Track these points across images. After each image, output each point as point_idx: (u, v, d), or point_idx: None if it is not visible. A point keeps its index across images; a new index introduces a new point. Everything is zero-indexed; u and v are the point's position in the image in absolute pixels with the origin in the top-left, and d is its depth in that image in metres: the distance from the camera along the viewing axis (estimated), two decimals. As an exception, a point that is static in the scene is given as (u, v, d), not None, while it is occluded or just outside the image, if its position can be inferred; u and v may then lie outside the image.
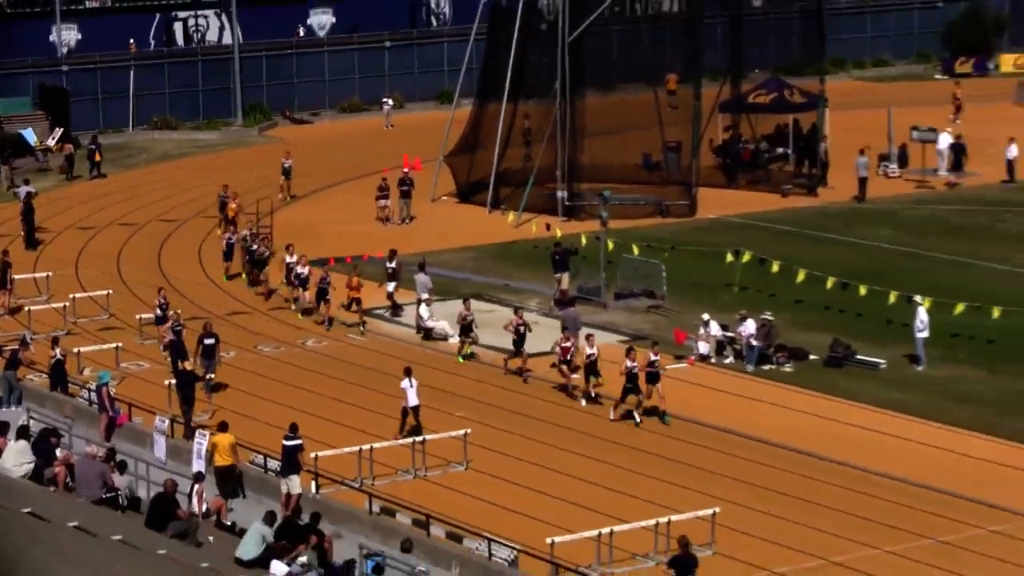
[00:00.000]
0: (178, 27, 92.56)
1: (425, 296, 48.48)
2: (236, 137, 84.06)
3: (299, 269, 49.76)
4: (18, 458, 31.84)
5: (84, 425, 37.87)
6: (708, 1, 76.18)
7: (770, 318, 45.67)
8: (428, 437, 37.56)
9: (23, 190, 63.05)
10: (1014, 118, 77.53)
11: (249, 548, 28.63)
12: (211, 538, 30.03)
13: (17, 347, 42.17)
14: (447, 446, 37.47)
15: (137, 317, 49.04)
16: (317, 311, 49.25)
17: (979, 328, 45.47)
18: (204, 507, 31.85)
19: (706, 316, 45.91)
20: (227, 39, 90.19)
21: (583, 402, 41.30)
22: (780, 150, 70.70)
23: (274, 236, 57.83)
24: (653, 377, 39.33)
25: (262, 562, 28.09)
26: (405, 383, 39.08)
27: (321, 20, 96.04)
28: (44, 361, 42.07)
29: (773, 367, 43.84)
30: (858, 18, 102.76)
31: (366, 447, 36.64)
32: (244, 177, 66.65)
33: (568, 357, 41.44)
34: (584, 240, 54.35)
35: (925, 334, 43.88)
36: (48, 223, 62.96)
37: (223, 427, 35.01)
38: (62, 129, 79.02)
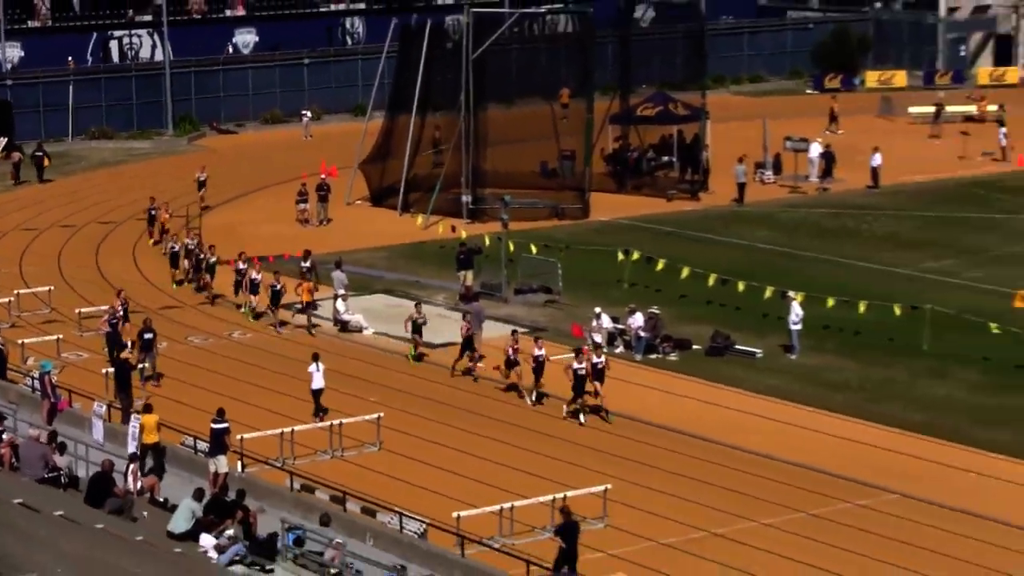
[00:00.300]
0: (114, 45, 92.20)
1: (342, 292, 48.40)
2: (167, 146, 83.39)
3: (253, 275, 49.08)
4: (-35, 441, 31.79)
5: (27, 410, 37.65)
6: (599, 22, 76.30)
7: (656, 311, 45.92)
8: (345, 420, 37.60)
9: None
10: (878, 129, 78.34)
11: (180, 522, 28.64)
12: (145, 513, 29.99)
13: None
14: (362, 429, 37.53)
15: (76, 311, 48.79)
16: (271, 314, 48.45)
17: (847, 321, 45.94)
18: (139, 485, 31.81)
19: (598, 309, 46.08)
20: (159, 56, 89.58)
21: (529, 400, 40.69)
22: (665, 158, 70.93)
23: (204, 237, 57.89)
24: (599, 375, 38.76)
25: (192, 535, 28.13)
26: (312, 367, 39.55)
27: (245, 39, 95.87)
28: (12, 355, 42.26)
29: (659, 356, 44.02)
30: (736, 38, 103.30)
31: (287, 430, 36.70)
32: (174, 183, 66.23)
33: (515, 358, 40.75)
34: (487, 240, 54.40)
35: (798, 326, 44.19)
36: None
37: (148, 409, 35.25)
38: (6, 139, 78.55)
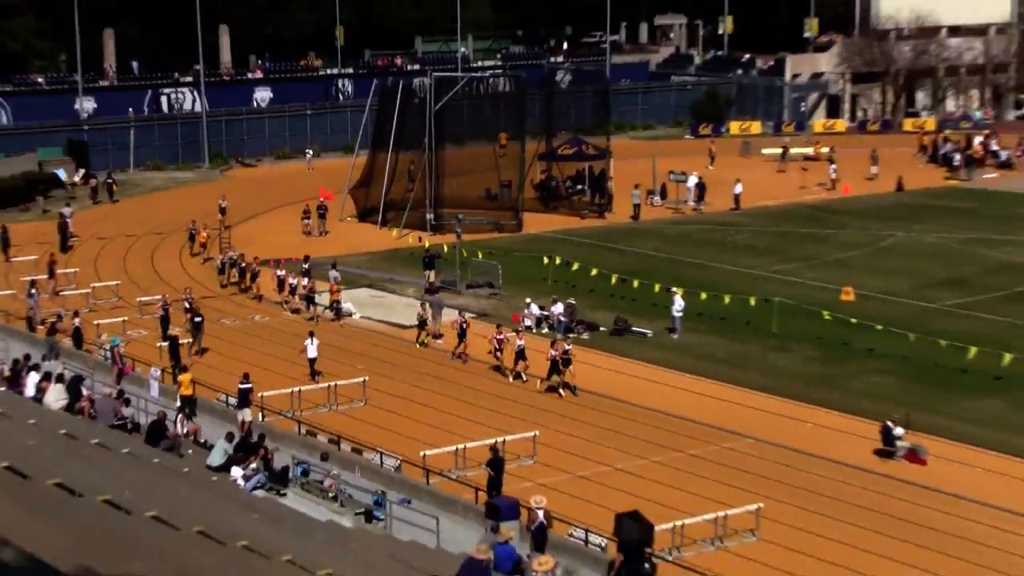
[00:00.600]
0: (164, 99, 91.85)
1: (337, 284, 48.58)
2: (204, 176, 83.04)
3: (291, 280, 48.81)
4: (57, 396, 31.75)
5: (101, 374, 37.70)
6: (529, 84, 76.44)
7: (573, 302, 46.08)
8: (339, 382, 37.76)
9: (66, 211, 62.95)
10: (739, 165, 78.61)
11: (216, 458, 28.78)
12: (190, 451, 30.11)
13: (55, 320, 42.16)
14: (352, 389, 37.68)
15: (137, 300, 48.75)
16: (306, 311, 47.51)
17: (715, 309, 46.11)
18: (184, 430, 31.91)
19: (528, 300, 46.34)
20: (197, 108, 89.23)
21: (511, 378, 39.69)
22: (579, 186, 71.08)
23: (232, 243, 58.16)
24: (567, 362, 38.19)
25: (225, 468, 28.27)
26: (307, 341, 40.06)
27: (263, 95, 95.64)
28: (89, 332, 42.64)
29: (575, 335, 44.01)
30: (632, 96, 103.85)
31: (295, 389, 36.87)
32: (208, 203, 65.92)
33: (500, 346, 40.10)
34: (445, 248, 54.38)
35: (679, 313, 44.38)
36: (78, 233, 62.37)
37: (184, 369, 36.31)
38: (84, 170, 78.52)
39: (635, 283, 48.97)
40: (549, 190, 70.02)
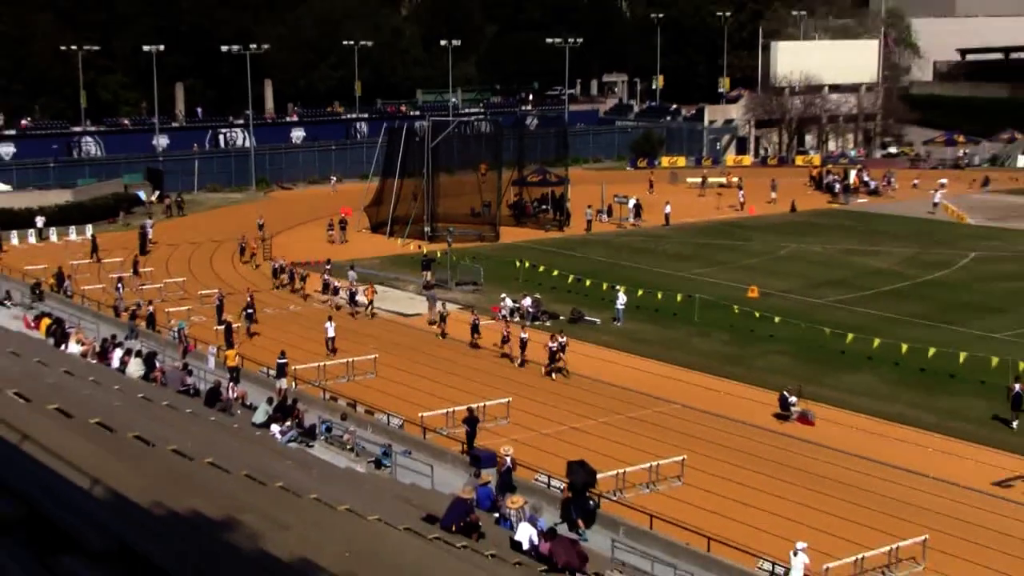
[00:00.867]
0: (221, 137, 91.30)
1: (355, 283, 48.24)
2: (251, 196, 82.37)
3: (335, 283, 47.74)
4: (137, 368, 31.65)
5: (170, 350, 37.60)
6: (505, 125, 76.40)
7: (538, 296, 46.09)
8: (355, 358, 37.56)
9: (147, 223, 63.46)
10: (669, 191, 78.31)
11: (259, 417, 28.65)
12: (239, 412, 29.98)
13: (135, 308, 41.98)
14: (365, 364, 37.49)
15: (198, 292, 48.45)
16: (349, 306, 46.25)
17: (650, 302, 46.05)
18: (235, 395, 31.73)
19: (504, 295, 46.10)
20: (247, 144, 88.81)
21: (517, 364, 38.31)
22: (544, 206, 70.95)
23: (272, 250, 57.64)
24: (563, 349, 37.22)
25: (266, 425, 28.12)
26: (327, 324, 39.96)
27: (298, 134, 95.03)
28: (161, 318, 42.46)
29: (540, 323, 44.05)
30: (585, 136, 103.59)
31: (321, 363, 36.73)
32: (254, 219, 65.53)
33: (508, 337, 39.27)
34: (439, 253, 54.34)
35: (622, 306, 44.43)
36: (155, 240, 62.18)
37: (231, 346, 36.31)
38: (159, 191, 78.55)
39: (587, 282, 48.91)
40: (520, 209, 69.83)
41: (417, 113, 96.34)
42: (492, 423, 31.89)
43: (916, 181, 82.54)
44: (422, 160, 64.31)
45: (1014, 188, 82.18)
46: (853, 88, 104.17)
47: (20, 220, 65.55)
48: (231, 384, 32.36)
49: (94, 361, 32.38)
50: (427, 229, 62.76)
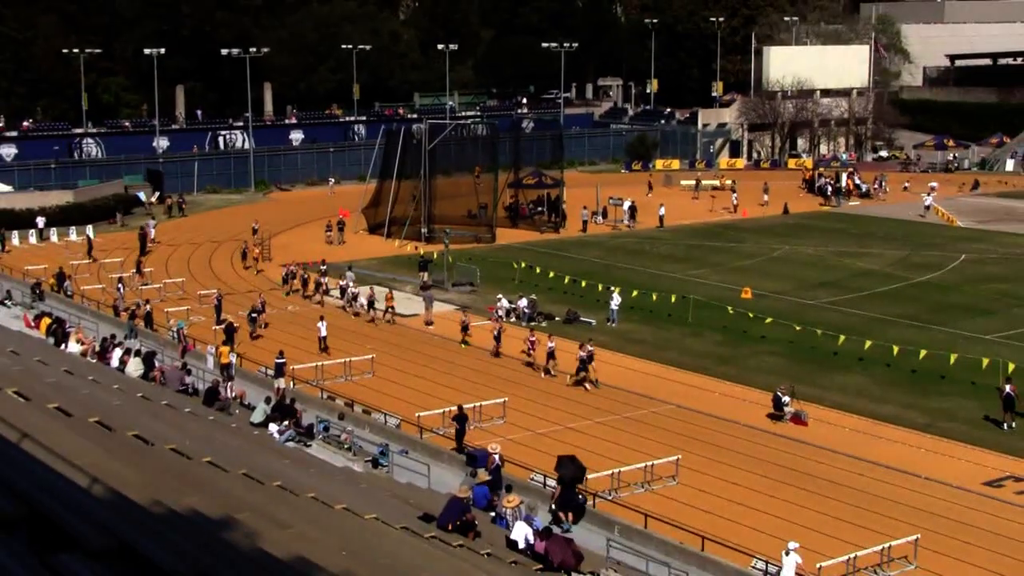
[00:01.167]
0: (220, 139, 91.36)
1: (352, 283, 48.23)
2: (250, 198, 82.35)
3: (352, 289, 46.74)
4: (136, 367, 31.52)
5: (170, 350, 37.43)
6: (501, 129, 76.46)
7: (534, 297, 46.03)
8: (352, 358, 37.46)
9: (150, 223, 63.67)
10: (663, 193, 78.56)
11: (257, 416, 28.53)
12: (237, 411, 29.81)
13: (135, 307, 41.96)
14: (363, 364, 37.40)
15: (198, 293, 48.31)
16: (366, 313, 45.05)
17: (645, 304, 46.01)
18: (233, 394, 31.62)
19: (500, 295, 46.06)
20: (246, 145, 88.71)
21: (542, 374, 37.05)
22: (540, 208, 70.98)
23: (271, 252, 57.41)
24: (591, 358, 36.03)
25: (264, 424, 28.00)
26: (320, 324, 39.86)
27: (296, 136, 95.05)
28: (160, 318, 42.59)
29: (536, 323, 43.99)
30: (581, 139, 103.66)
31: (320, 363, 36.61)
32: (253, 220, 65.53)
33: (533, 347, 38.31)
34: (436, 254, 54.23)
35: (616, 307, 44.40)
36: (158, 239, 62.05)
37: (225, 343, 35.87)
38: (159, 192, 78.39)
39: (583, 283, 48.82)
40: (516, 211, 69.83)
41: (414, 116, 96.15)
42: (488, 423, 31.82)
43: (907, 184, 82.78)
44: (419, 162, 64.21)
45: (1003, 191, 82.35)
46: (844, 93, 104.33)
47: (21, 221, 65.43)
48: (229, 383, 32.23)
49: (94, 360, 32.24)
50: (424, 230, 62.68)
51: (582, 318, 44.85)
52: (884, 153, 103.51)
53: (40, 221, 65.04)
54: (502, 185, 67.95)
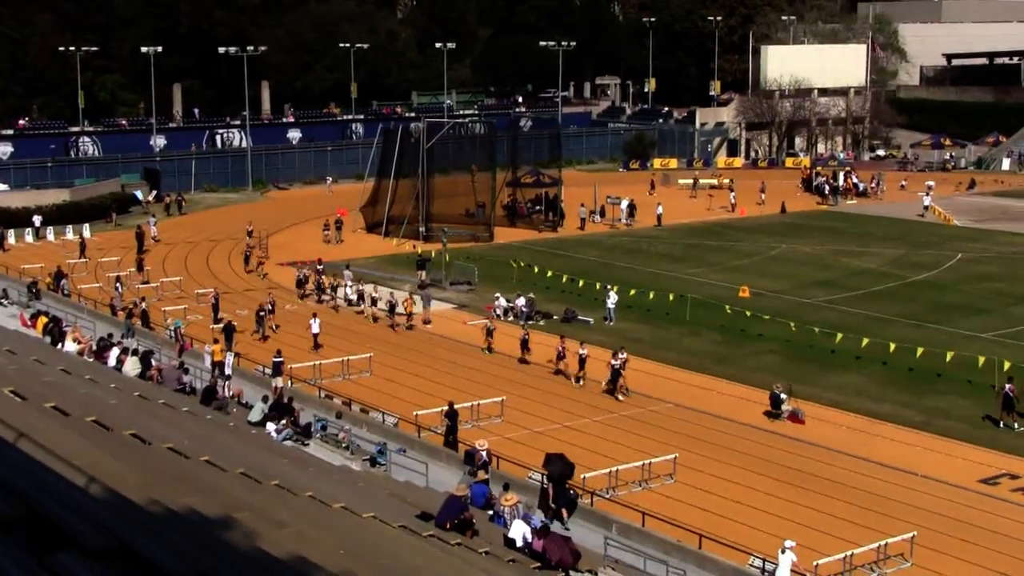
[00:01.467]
0: (218, 137, 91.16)
1: (350, 283, 48.16)
2: (248, 196, 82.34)
3: (373, 293, 45.43)
4: (133, 366, 31.44)
5: (167, 349, 37.37)
6: (499, 127, 76.48)
7: (532, 296, 46.03)
8: (350, 357, 37.40)
9: (150, 220, 63.90)
10: (660, 192, 78.63)
11: (255, 415, 28.47)
12: (234, 410, 29.74)
13: (132, 306, 41.88)
14: (360, 363, 37.36)
15: (195, 291, 48.24)
16: (387, 319, 43.80)
17: (642, 302, 46.04)
18: (231, 393, 31.59)
19: (498, 294, 46.14)
20: (244, 144, 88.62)
21: (573, 381, 36.16)
22: (538, 207, 70.98)
23: (269, 251, 57.13)
24: (623, 366, 35.13)
25: (262, 423, 27.95)
26: (312, 321, 39.73)
27: (294, 135, 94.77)
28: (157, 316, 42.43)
29: (534, 322, 43.96)
30: (579, 138, 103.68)
31: (318, 362, 36.57)
32: (251, 218, 65.45)
33: (563, 353, 36.84)
34: (434, 253, 54.23)
35: (613, 305, 44.40)
36: (158, 236, 61.98)
37: (216, 341, 35.92)
38: (156, 191, 78.32)
39: (580, 282, 48.81)
40: (514, 210, 69.84)
41: (412, 115, 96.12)
42: (486, 421, 31.81)
43: (904, 182, 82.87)
44: (417, 161, 64.16)
45: (999, 190, 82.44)
46: (842, 92, 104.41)
47: (17, 220, 65.29)
48: (227, 382, 32.20)
49: (90, 359, 32.17)
50: (422, 229, 62.66)
51: (580, 317, 44.85)
52: (881, 152, 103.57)
53: (36, 220, 64.92)
54: (500, 184, 67.94)
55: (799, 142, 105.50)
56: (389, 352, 39.53)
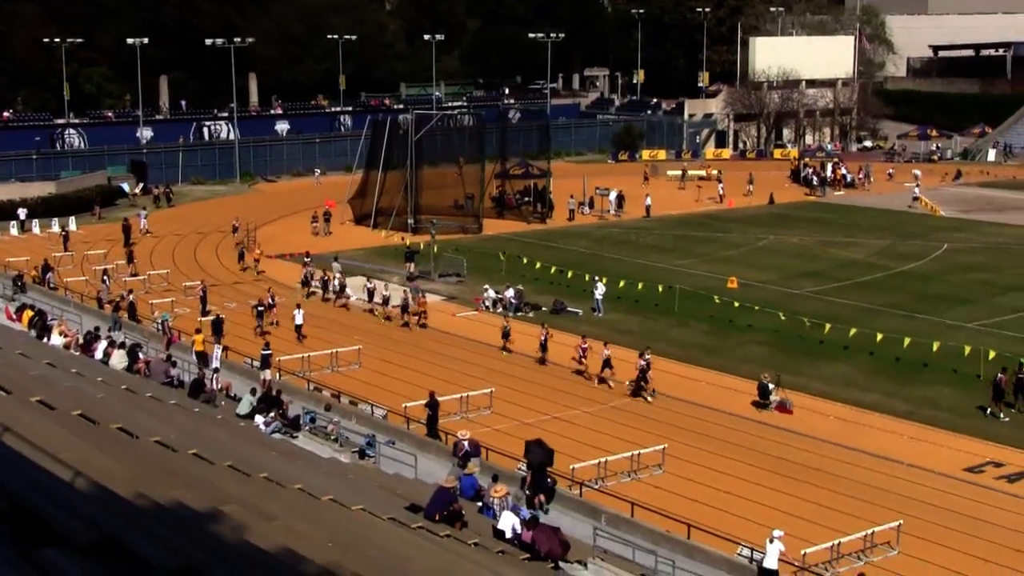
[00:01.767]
0: (205, 130, 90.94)
1: (338, 276, 48.03)
2: (236, 189, 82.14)
3: (384, 292, 44.58)
4: (120, 359, 31.31)
5: (155, 342, 37.17)
6: (488, 119, 76.35)
7: (520, 288, 46.01)
8: (339, 349, 37.31)
9: (141, 213, 63.81)
10: (649, 183, 78.72)
11: (244, 408, 28.42)
12: (223, 403, 29.69)
13: (119, 299, 41.68)
14: (350, 355, 37.28)
15: (183, 284, 48.04)
16: (399, 318, 42.81)
17: (631, 294, 46.08)
18: (219, 386, 31.52)
19: (486, 286, 46.10)
20: (231, 136, 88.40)
21: (596, 382, 35.27)
22: (526, 199, 70.94)
23: (259, 244, 56.43)
24: (648, 367, 34.34)
25: (250, 416, 27.91)
26: (295, 311, 39.76)
27: (282, 127, 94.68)
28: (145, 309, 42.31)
29: (523, 314, 44.01)
30: (567, 129, 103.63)
31: (306, 354, 36.48)
32: (239, 211, 65.32)
33: (585, 353, 35.85)
34: (422, 245, 54.10)
35: (601, 296, 44.38)
36: (139, 231, 61.05)
37: (198, 331, 35.87)
38: (142, 183, 77.86)
39: (569, 273, 48.79)
40: (503, 201, 69.78)
41: (401, 106, 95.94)
42: (475, 413, 31.81)
43: (891, 171, 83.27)
44: (406, 153, 64.04)
45: (985, 181, 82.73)
46: (829, 83, 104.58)
47: (2, 212, 64.93)
48: (214, 375, 32.13)
49: (77, 353, 32.08)
50: (410, 221, 62.56)
51: (569, 308, 44.84)
52: (868, 143, 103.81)
53: (21, 213, 64.55)
54: (489, 175, 67.83)
55: (787, 133, 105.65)
56: (378, 344, 39.42)
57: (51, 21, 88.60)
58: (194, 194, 79.24)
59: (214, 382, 31.41)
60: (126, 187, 76.07)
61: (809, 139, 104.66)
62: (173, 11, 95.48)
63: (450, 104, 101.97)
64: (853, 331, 38.89)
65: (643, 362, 34.16)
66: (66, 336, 34.34)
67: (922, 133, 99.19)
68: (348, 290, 46.85)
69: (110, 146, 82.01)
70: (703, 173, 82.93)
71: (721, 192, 73.46)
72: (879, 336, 38.44)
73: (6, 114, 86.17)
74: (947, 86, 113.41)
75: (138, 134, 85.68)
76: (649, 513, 23.89)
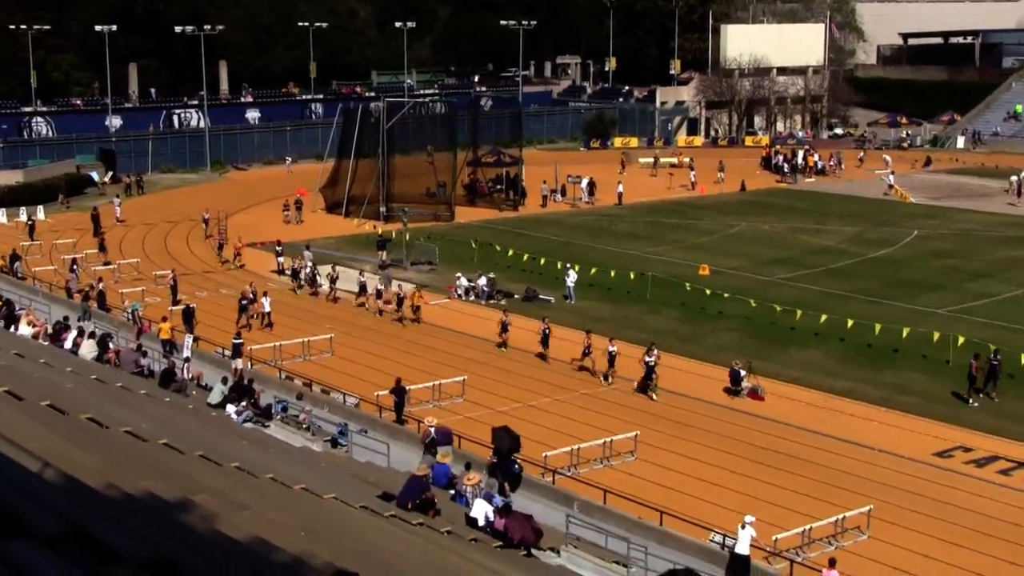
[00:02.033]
0: (175, 118, 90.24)
1: (309, 264, 47.82)
2: (206, 177, 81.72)
3: (379, 286, 44.19)
4: (90, 349, 31.00)
5: (124, 331, 36.87)
6: (459, 107, 76.19)
7: (493, 276, 45.99)
8: (311, 338, 37.18)
9: (115, 200, 63.99)
10: (625, 171, 78.98)
11: (214, 397, 28.20)
12: (194, 392, 29.49)
13: (88, 289, 41.33)
14: (322, 343, 37.16)
15: (153, 273, 47.68)
16: (393, 312, 41.82)
17: (604, 281, 46.14)
18: (190, 375, 31.34)
19: (459, 274, 46.06)
20: (201, 124, 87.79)
21: (602, 379, 34.43)
22: (499, 186, 70.90)
23: (228, 233, 55.37)
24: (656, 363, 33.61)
25: (222, 405, 27.72)
26: (263, 299, 39.86)
27: (253, 115, 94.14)
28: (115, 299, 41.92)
29: (495, 301, 44.01)
30: (539, 117, 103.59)
31: (278, 343, 36.32)
32: (210, 199, 64.87)
33: (589, 349, 35.17)
34: (394, 233, 53.86)
35: (572, 284, 44.42)
36: (107, 221, 60.15)
37: (164, 320, 35.70)
38: (112, 172, 77.32)
39: (541, 261, 48.80)
40: (475, 189, 69.69)
41: (372, 94, 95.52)
42: (447, 401, 31.81)
43: (861, 155, 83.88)
44: (377, 141, 63.85)
45: (954, 168, 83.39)
46: (800, 71, 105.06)
47: (-30, 202, 64.36)
48: (185, 364, 31.94)
49: (46, 343, 31.77)
50: (382, 209, 62.38)
51: (541, 296, 44.86)
52: (839, 131, 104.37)
53: (-11, 201, 64.05)
54: (461, 163, 67.72)
55: (759, 121, 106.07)
56: (350, 333, 39.32)
57: (17, 8, 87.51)
58: (164, 182, 78.70)
59: (185, 371, 31.23)
60: (95, 176, 75.46)
61: (780, 126, 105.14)
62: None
63: (422, 92, 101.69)
64: (824, 318, 39.13)
65: (650, 359, 33.39)
66: (35, 326, 33.97)
67: (892, 120, 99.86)
68: (319, 279, 46.67)
69: (79, 134, 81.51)
70: (675, 160, 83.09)
71: (693, 179, 73.67)
72: (850, 322, 38.70)
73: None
74: (916, 73, 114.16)
75: (107, 122, 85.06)
76: (622, 500, 23.98)
